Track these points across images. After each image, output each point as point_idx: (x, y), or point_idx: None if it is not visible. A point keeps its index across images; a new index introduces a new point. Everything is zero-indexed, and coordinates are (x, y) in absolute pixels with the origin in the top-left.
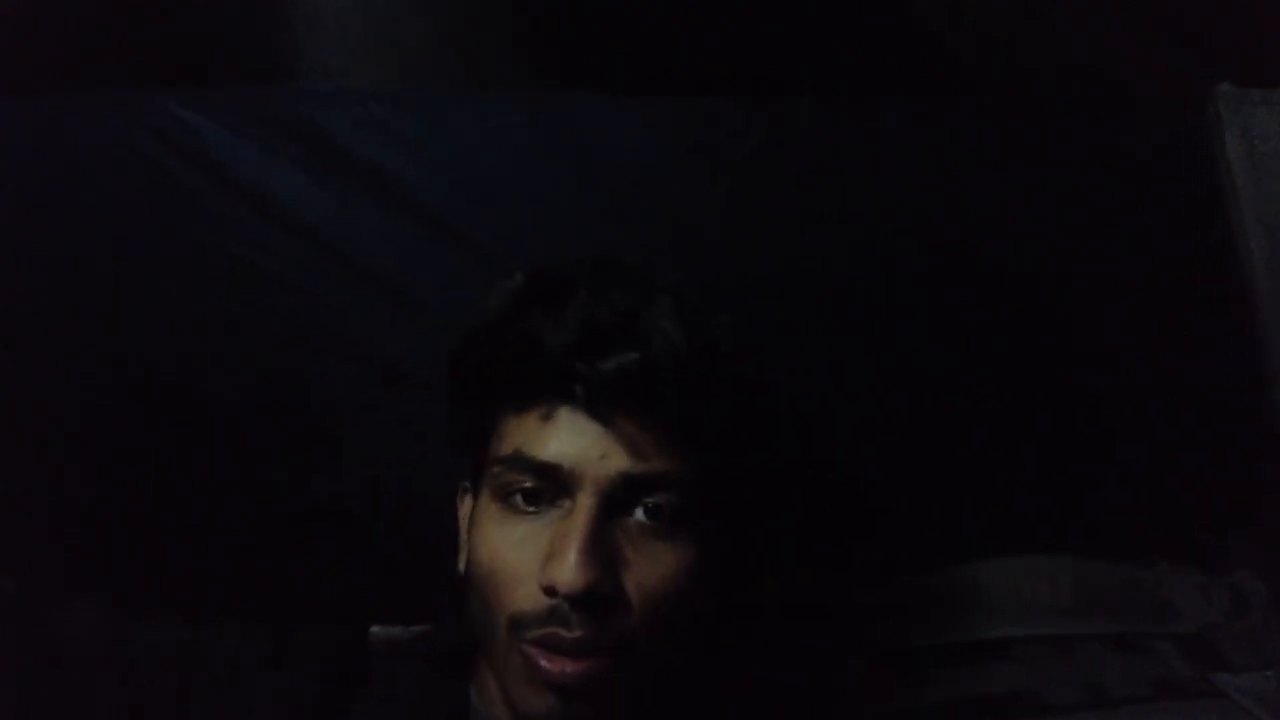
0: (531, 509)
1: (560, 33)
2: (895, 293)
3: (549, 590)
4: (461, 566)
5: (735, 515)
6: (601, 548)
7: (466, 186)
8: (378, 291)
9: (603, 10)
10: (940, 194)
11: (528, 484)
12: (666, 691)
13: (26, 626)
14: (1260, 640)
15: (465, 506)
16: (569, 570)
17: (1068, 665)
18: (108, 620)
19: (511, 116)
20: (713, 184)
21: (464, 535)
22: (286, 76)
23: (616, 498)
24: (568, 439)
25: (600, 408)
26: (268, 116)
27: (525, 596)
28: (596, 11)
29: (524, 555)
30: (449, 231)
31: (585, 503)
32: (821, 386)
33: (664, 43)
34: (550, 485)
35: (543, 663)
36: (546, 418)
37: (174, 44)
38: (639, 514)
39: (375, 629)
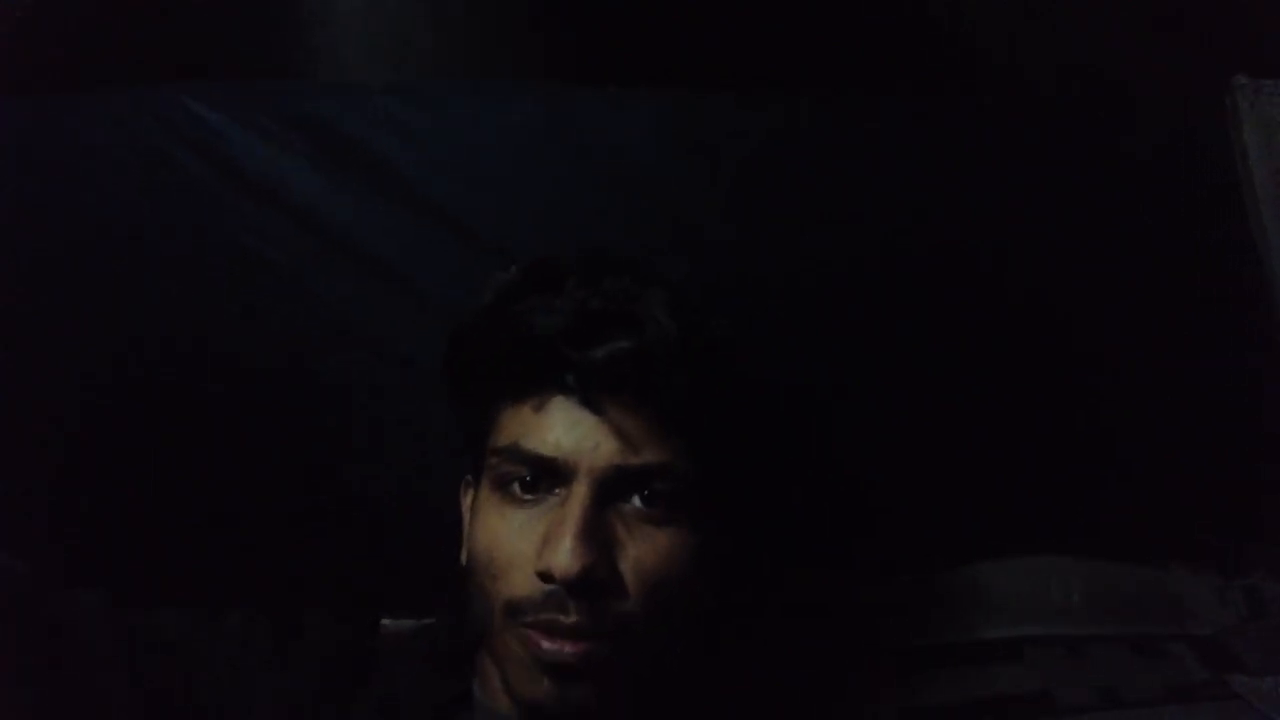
0: (529, 497)
1: (565, 28)
2: (895, 292)
3: (545, 576)
4: (464, 559)
5: (734, 512)
6: (597, 533)
7: (471, 181)
8: (384, 285)
9: (607, 7)
10: (940, 194)
11: (524, 474)
12: (665, 681)
13: (36, 616)
14: (1277, 643)
15: (468, 499)
16: (564, 555)
17: (1080, 667)
18: (115, 612)
19: (516, 113)
20: (713, 183)
21: (466, 528)
22: (293, 72)
23: (611, 486)
24: (562, 429)
25: (593, 396)
26: (276, 110)
27: (521, 582)
28: (601, 8)
29: (521, 542)
30: (454, 225)
31: (580, 491)
32: (821, 386)
33: (667, 41)
34: (546, 475)
35: (544, 643)
36: (540, 408)
37: (181, 42)
38: (635, 500)
39: (386, 621)
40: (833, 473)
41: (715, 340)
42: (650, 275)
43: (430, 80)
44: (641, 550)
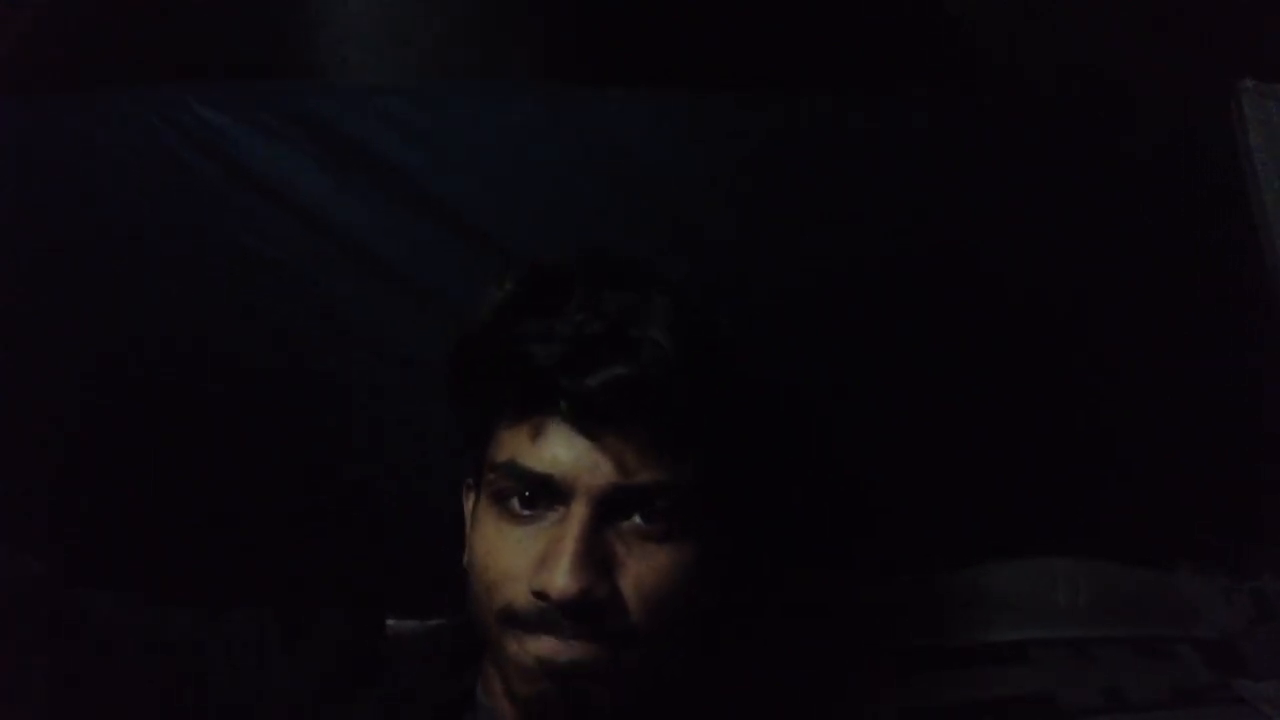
0: (527, 513)
1: (565, 28)
2: (896, 292)
3: (541, 595)
4: (465, 561)
5: (734, 516)
6: (595, 553)
7: (472, 181)
8: (385, 284)
9: (607, 7)
10: (940, 194)
11: (522, 490)
12: (666, 684)
13: (42, 615)
14: None
15: (469, 503)
16: (561, 577)
17: (1085, 669)
18: (119, 612)
19: (516, 113)
20: (713, 183)
21: (469, 531)
22: (294, 72)
23: (610, 506)
24: (560, 450)
25: (588, 421)
26: (277, 110)
27: (517, 594)
28: (601, 8)
29: (518, 558)
30: (455, 225)
31: (578, 511)
32: (822, 386)
33: (667, 41)
34: (544, 492)
35: (543, 643)
36: (538, 429)
37: (182, 42)
38: (635, 518)
39: (390, 622)
40: (833, 473)
41: (715, 350)
42: (652, 279)
43: (430, 80)
44: (642, 569)
